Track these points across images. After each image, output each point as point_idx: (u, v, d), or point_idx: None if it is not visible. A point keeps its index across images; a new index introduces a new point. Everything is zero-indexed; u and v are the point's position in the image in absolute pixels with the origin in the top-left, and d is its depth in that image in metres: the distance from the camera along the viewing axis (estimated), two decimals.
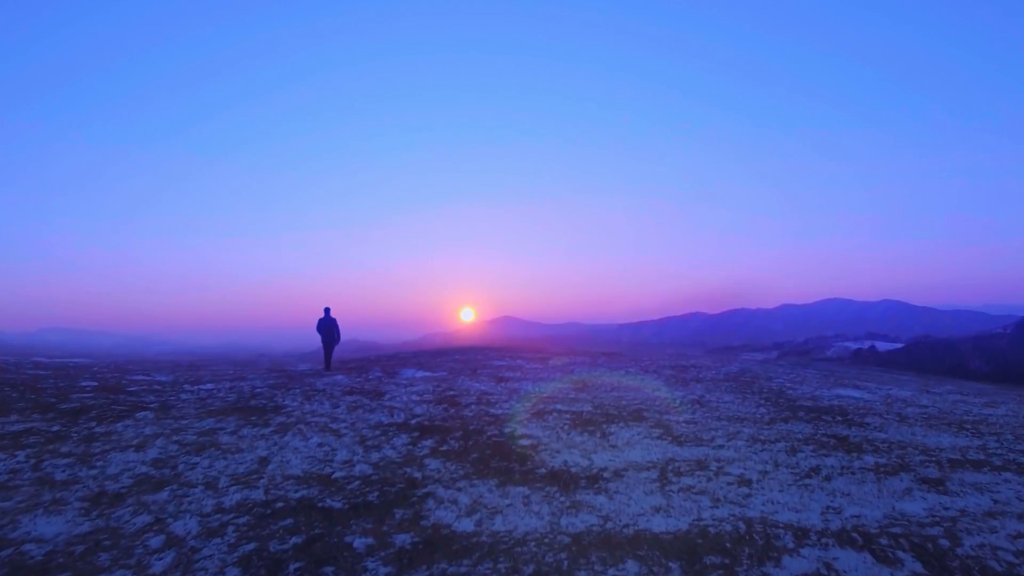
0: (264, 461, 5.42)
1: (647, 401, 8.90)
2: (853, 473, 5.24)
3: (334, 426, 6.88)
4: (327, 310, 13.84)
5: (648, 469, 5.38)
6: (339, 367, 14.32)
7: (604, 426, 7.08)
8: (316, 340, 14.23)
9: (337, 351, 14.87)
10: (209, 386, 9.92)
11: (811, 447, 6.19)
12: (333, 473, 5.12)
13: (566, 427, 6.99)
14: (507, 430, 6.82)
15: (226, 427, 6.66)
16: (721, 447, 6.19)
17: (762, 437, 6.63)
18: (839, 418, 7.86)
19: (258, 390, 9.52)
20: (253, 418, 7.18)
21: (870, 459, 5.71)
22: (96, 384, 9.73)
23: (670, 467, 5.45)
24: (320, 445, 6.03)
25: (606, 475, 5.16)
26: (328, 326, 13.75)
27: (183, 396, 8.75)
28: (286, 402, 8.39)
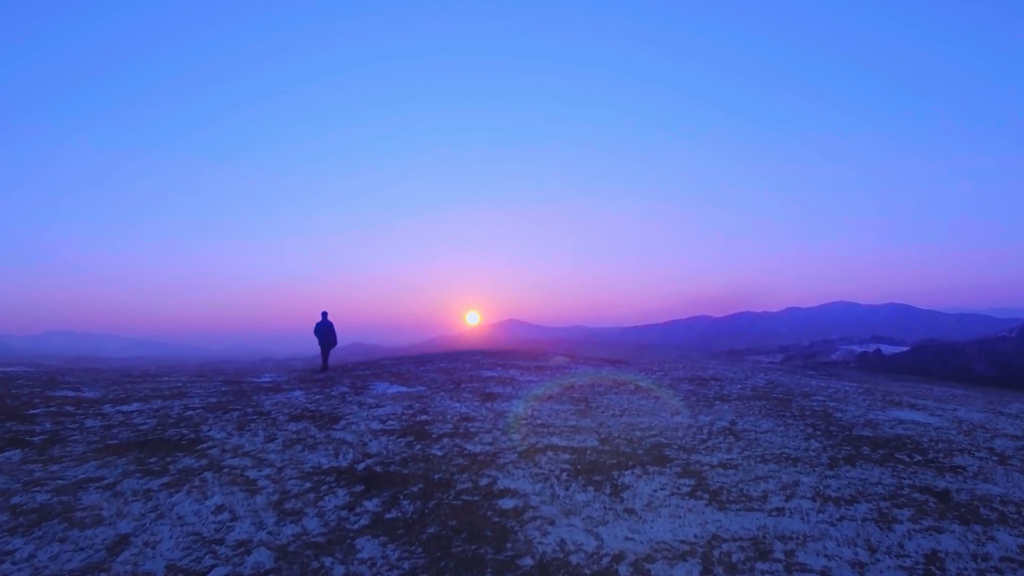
0: (120, 544, 3.68)
1: (667, 431, 7.12)
2: (993, 564, 3.47)
3: (253, 474, 5.13)
4: (324, 314, 14.25)
5: (685, 558, 3.62)
6: (304, 378, 12.58)
7: (615, 474, 5.31)
8: (316, 343, 14.48)
9: (331, 354, 14.94)
10: (134, 407, 8.18)
11: (907, 512, 4.42)
12: (211, 571, 3.38)
13: (564, 476, 5.22)
14: (484, 481, 5.06)
15: (106, 476, 4.93)
16: (780, 512, 4.42)
17: (831, 492, 4.86)
18: (917, 457, 6.08)
19: (188, 413, 7.78)
20: (153, 460, 5.44)
21: (1007, 539, 3.94)
22: None
23: (716, 553, 3.69)
24: (218, 510, 4.28)
25: (624, 572, 3.41)
26: (325, 329, 14.09)
27: (89, 423, 7.01)
28: (211, 432, 6.64)
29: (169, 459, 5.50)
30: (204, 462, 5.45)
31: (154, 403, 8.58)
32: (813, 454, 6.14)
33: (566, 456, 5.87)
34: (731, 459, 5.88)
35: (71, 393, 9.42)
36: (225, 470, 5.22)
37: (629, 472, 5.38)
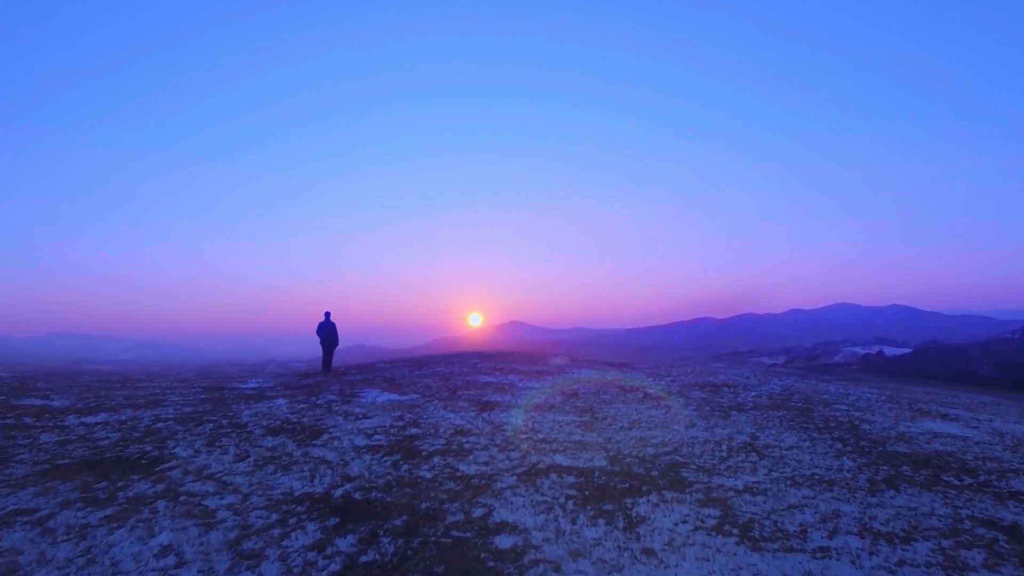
0: None
1: (682, 447, 6.45)
2: None
3: (214, 503, 4.46)
4: (327, 314, 14.09)
5: None
6: (291, 384, 11.91)
7: (629, 502, 4.64)
8: (318, 343, 14.29)
9: (332, 356, 14.60)
10: (100, 418, 7.52)
11: (979, 555, 3.74)
12: None
13: (571, 505, 4.55)
14: (478, 512, 4.38)
15: (41, 508, 4.26)
16: (825, 553, 3.75)
17: (880, 526, 4.18)
18: (967, 479, 5.40)
19: (158, 425, 7.11)
20: (102, 486, 4.78)
21: None
22: None
23: None
24: (162, 553, 3.62)
25: None
26: (327, 330, 13.94)
27: (44, 438, 6.35)
28: (177, 449, 5.97)
29: (121, 484, 4.83)
30: (160, 487, 4.78)
31: (124, 413, 7.91)
32: (848, 475, 5.46)
33: (572, 479, 5.20)
34: (758, 482, 5.21)
35: (37, 402, 8.76)
36: (182, 498, 4.56)
37: (644, 499, 4.71)
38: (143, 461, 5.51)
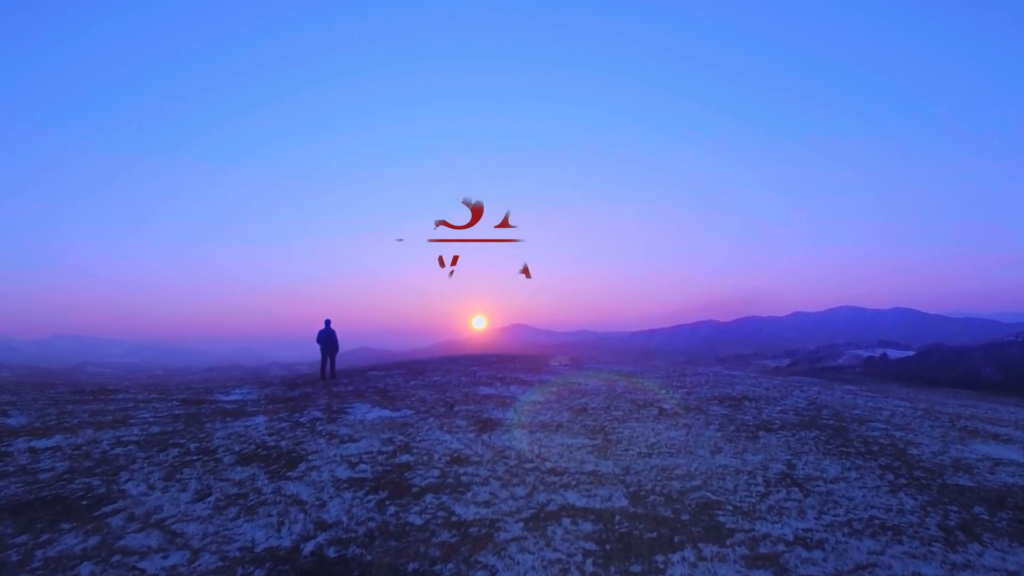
0: None
1: (712, 479, 5.62)
2: None
3: (152, 566, 3.63)
4: (327, 322, 14.10)
5: None
6: (276, 397, 11.09)
7: (660, 559, 3.81)
8: (319, 351, 14.21)
9: (333, 359, 14.48)
10: (54, 440, 6.69)
11: None
12: None
13: (590, 565, 3.72)
14: (478, 574, 3.56)
15: None
16: None
17: None
18: None
19: (115, 451, 6.29)
20: (22, 539, 3.95)
21: None
22: None
23: None
24: None
25: None
26: (328, 337, 13.97)
27: None
28: (129, 484, 5.15)
29: (46, 537, 4.01)
30: (93, 542, 3.96)
31: (83, 434, 7.08)
32: (915, 519, 4.63)
33: (588, 526, 4.37)
34: (810, 530, 4.38)
35: None
36: (116, 557, 3.73)
37: (678, 556, 3.88)
38: (83, 502, 4.68)
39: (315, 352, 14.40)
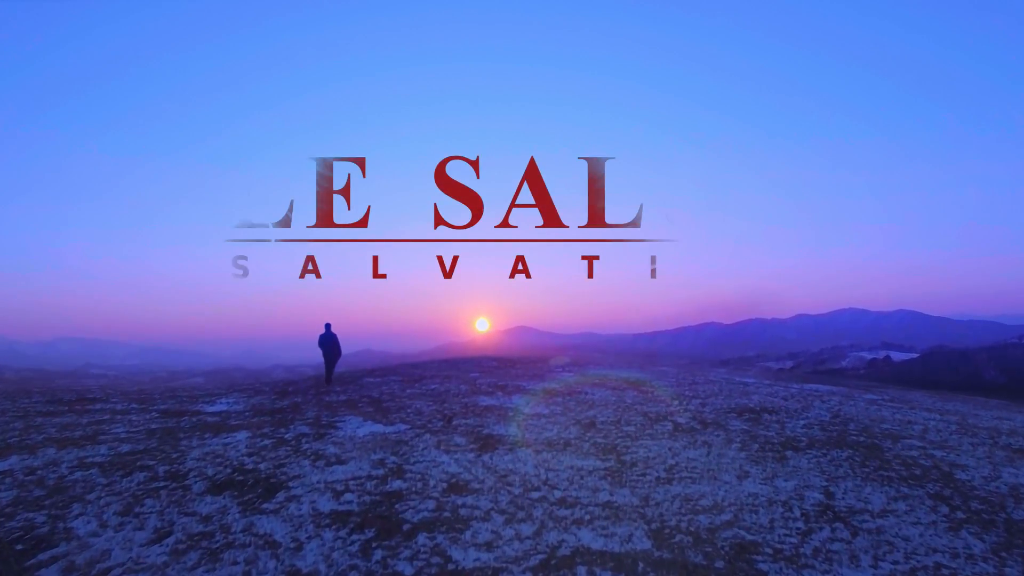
0: None
1: (743, 512, 4.95)
2: None
3: None
4: (328, 326, 13.92)
5: None
6: (263, 409, 10.44)
7: None
8: (320, 355, 14.09)
9: (337, 362, 14.49)
10: (8, 463, 6.03)
11: None
12: None
13: None
14: None
15: None
16: None
17: None
18: None
19: (75, 475, 5.63)
20: None
21: None
22: None
23: None
24: None
25: None
26: (329, 341, 13.80)
27: None
28: (78, 521, 4.49)
29: None
30: None
31: (43, 454, 6.43)
32: (990, 568, 3.96)
33: None
34: None
35: None
36: None
37: None
38: (18, 547, 4.03)
39: (318, 355, 14.02)
